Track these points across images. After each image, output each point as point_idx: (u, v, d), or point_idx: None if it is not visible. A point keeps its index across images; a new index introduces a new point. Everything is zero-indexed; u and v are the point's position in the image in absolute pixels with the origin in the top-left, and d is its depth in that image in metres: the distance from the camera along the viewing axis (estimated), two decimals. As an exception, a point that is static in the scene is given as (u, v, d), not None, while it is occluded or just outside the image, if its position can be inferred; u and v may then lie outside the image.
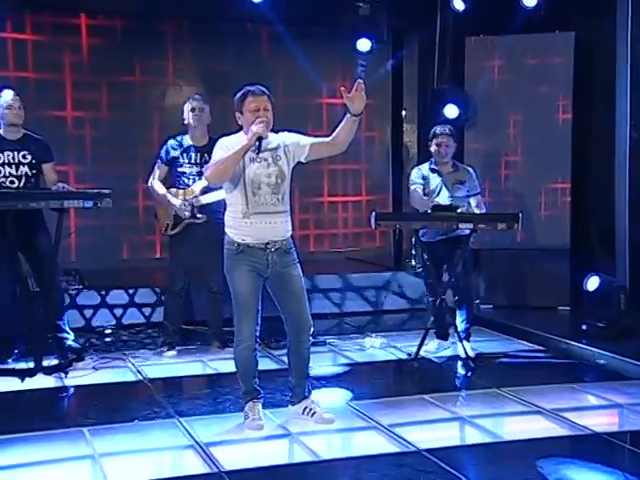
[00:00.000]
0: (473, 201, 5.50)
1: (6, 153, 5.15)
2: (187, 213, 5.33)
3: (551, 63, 6.86)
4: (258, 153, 3.91)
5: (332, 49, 8.03)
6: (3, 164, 5.14)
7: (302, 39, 7.91)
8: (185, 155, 5.37)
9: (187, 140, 5.42)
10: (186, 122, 5.41)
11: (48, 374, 4.95)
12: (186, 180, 5.38)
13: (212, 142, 5.20)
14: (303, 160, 4.11)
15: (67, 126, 7.47)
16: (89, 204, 4.92)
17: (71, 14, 7.36)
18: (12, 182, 5.15)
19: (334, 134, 4.03)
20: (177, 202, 5.33)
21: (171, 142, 5.46)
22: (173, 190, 5.40)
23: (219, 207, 5.33)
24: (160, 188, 5.41)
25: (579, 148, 6.84)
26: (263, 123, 3.90)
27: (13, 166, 5.15)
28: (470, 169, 5.65)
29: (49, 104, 7.28)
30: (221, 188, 4.18)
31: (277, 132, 4.11)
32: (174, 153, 5.38)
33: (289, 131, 4.14)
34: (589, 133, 6.84)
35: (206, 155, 5.28)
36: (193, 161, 5.38)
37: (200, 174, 5.28)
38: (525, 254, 6.89)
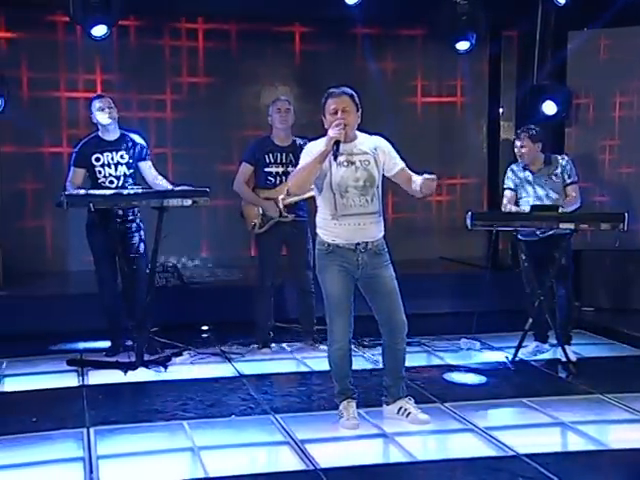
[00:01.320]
0: (568, 190, 5.34)
1: (105, 154, 5.31)
2: (276, 214, 5.40)
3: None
4: (335, 158, 3.88)
5: (429, 49, 7.98)
6: (103, 165, 5.30)
7: (397, 39, 7.90)
8: (271, 155, 5.43)
9: (272, 140, 5.47)
10: (271, 122, 5.47)
11: (149, 368, 5.10)
12: (272, 180, 5.44)
13: (295, 143, 5.31)
14: (388, 175, 4.07)
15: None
16: (188, 202, 5.03)
17: (173, 19, 7.58)
18: (111, 182, 5.30)
19: (413, 179, 4.02)
20: (268, 204, 5.40)
21: (256, 143, 5.54)
22: (260, 190, 5.47)
23: (306, 205, 5.41)
24: (247, 189, 5.49)
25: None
26: (340, 126, 3.86)
27: (112, 166, 5.31)
28: (564, 158, 5.48)
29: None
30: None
31: (371, 134, 4.08)
32: (260, 154, 5.44)
33: (384, 138, 4.09)
34: None
35: (291, 155, 5.35)
36: (279, 161, 5.43)
37: (286, 174, 5.33)
38: (630, 254, 6.61)
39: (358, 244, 3.98)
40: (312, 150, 3.98)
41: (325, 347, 5.44)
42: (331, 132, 3.88)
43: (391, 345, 4.13)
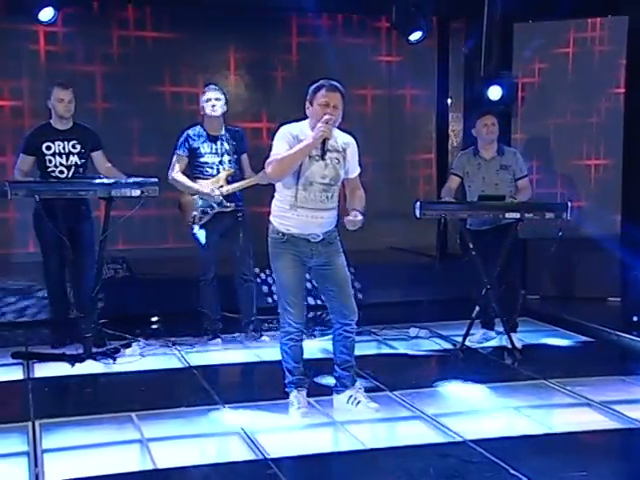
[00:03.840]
0: (521, 184, 5.45)
1: (57, 143, 5.23)
2: (217, 196, 5.32)
3: (603, 46, 6.77)
4: (323, 155, 3.90)
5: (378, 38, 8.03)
6: (54, 154, 5.22)
7: (344, 28, 7.91)
8: (206, 145, 5.38)
9: (205, 130, 5.41)
10: (202, 112, 5.42)
11: (97, 360, 5.03)
12: (210, 170, 5.39)
13: (228, 131, 5.35)
14: (346, 176, 4.09)
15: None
16: (136, 193, 4.97)
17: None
18: (62, 172, 5.22)
19: (350, 196, 4.13)
20: (207, 188, 5.33)
21: (190, 133, 5.44)
22: (198, 181, 5.41)
23: (242, 195, 5.43)
24: (185, 179, 5.41)
25: (632, 128, 6.70)
26: (330, 123, 3.86)
27: (63, 156, 5.23)
28: (516, 151, 5.61)
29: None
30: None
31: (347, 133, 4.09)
32: (194, 144, 5.38)
33: (356, 141, 4.10)
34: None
35: (225, 144, 5.34)
36: (214, 151, 5.38)
37: (221, 163, 5.34)
38: (574, 243, 6.75)
39: (311, 234, 3.99)
40: (287, 135, 3.94)
41: (267, 337, 5.51)
42: (321, 130, 3.84)
43: (341, 333, 4.15)
